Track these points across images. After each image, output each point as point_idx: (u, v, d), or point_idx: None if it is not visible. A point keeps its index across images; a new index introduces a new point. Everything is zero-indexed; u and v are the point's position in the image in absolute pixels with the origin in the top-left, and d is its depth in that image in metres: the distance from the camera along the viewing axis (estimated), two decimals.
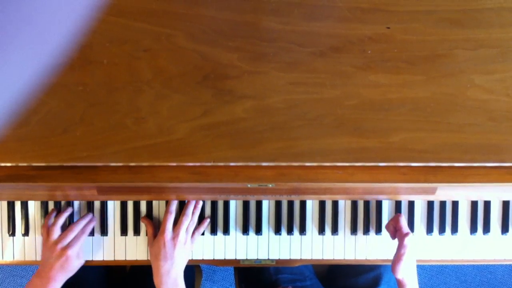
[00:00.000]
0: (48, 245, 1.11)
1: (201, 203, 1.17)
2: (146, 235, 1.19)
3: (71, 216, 1.19)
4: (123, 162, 0.87)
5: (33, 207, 1.20)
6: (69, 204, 1.19)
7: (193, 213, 1.15)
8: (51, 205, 1.19)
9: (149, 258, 1.17)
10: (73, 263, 1.11)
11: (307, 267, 1.37)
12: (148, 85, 0.86)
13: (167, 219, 1.12)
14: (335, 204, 1.20)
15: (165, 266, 1.08)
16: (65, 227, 1.15)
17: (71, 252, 1.10)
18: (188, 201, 1.16)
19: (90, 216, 1.18)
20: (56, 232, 1.13)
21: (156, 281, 1.09)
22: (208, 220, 1.19)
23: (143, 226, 1.20)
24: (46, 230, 1.14)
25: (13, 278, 2.07)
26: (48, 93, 0.85)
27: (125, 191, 1.17)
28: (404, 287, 1.05)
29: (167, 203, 1.17)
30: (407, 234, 1.04)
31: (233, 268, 1.59)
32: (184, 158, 0.86)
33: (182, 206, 1.18)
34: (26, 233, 1.19)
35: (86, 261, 1.19)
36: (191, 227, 1.15)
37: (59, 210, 1.19)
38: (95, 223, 1.19)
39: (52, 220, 1.15)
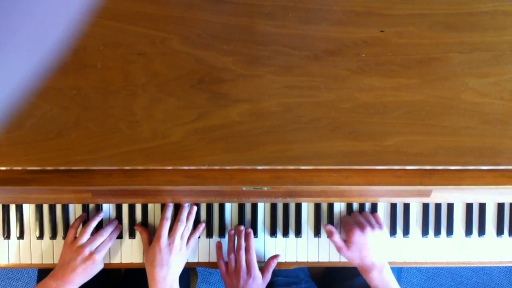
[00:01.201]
0: (73, 247, 1.11)
1: (195, 208, 1.17)
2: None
3: (66, 219, 1.18)
4: (117, 165, 0.87)
5: (28, 210, 1.19)
6: (64, 207, 1.19)
7: (187, 218, 1.15)
8: (45, 209, 1.19)
9: (144, 261, 1.17)
10: (96, 268, 1.12)
11: (302, 269, 1.37)
12: (142, 88, 0.86)
13: (162, 225, 1.12)
14: (330, 206, 1.20)
15: (160, 272, 1.08)
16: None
17: (98, 257, 1.11)
18: (182, 207, 1.15)
19: (116, 222, 1.18)
20: (87, 235, 1.13)
21: (151, 287, 1.09)
22: (204, 225, 1.19)
23: (138, 232, 1.19)
24: (75, 232, 1.14)
25: (9, 281, 2.06)
26: (42, 96, 0.85)
27: (120, 194, 1.16)
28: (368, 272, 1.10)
29: (163, 208, 1.17)
30: (362, 228, 1.11)
31: None
32: (179, 162, 0.86)
33: (177, 211, 1.17)
34: (21, 236, 1.19)
35: None
36: (186, 233, 1.14)
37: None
38: (121, 230, 1.19)
39: (79, 222, 1.16)
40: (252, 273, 1.12)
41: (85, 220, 1.18)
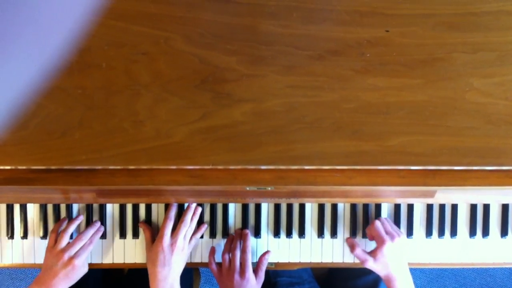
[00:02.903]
0: (54, 252, 1.10)
1: (200, 209, 1.17)
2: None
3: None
4: (121, 165, 0.87)
5: (32, 210, 1.20)
6: (68, 207, 1.19)
7: (191, 219, 1.15)
8: (50, 208, 1.19)
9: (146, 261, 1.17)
10: (79, 272, 1.11)
11: (305, 270, 1.37)
12: (146, 88, 0.86)
13: (165, 225, 1.12)
14: (334, 207, 1.20)
15: (162, 272, 1.08)
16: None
17: (78, 261, 1.09)
18: (188, 207, 1.15)
19: (98, 224, 1.17)
20: (65, 240, 1.12)
21: (152, 286, 1.09)
22: (206, 226, 1.19)
23: (142, 229, 1.19)
24: (55, 236, 1.13)
25: (12, 281, 2.07)
26: (47, 96, 0.85)
27: (124, 194, 1.17)
28: (392, 281, 1.08)
29: (166, 207, 1.17)
30: (383, 242, 1.08)
31: None
32: (183, 161, 0.86)
33: (181, 211, 1.18)
34: (25, 236, 1.19)
35: None
36: (189, 233, 1.14)
37: (62, 217, 1.19)
38: (102, 232, 1.19)
39: (63, 227, 1.15)
40: (246, 275, 1.11)
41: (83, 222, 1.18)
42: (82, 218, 1.18)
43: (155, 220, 1.20)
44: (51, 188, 1.10)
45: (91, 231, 1.15)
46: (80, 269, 1.11)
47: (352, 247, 1.12)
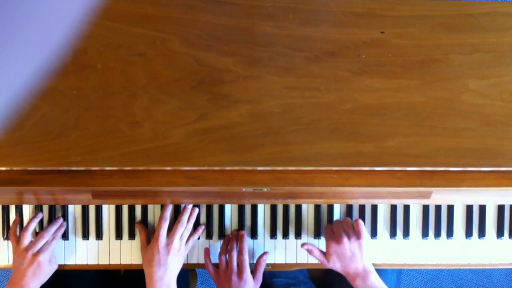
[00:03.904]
0: (18, 252, 1.10)
1: (197, 210, 1.16)
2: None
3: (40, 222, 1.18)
4: (118, 166, 0.87)
5: (28, 211, 1.19)
6: (63, 208, 1.18)
7: (188, 220, 1.14)
8: (45, 209, 1.19)
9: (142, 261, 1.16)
10: (46, 269, 1.10)
11: (302, 271, 1.37)
12: (143, 89, 0.86)
13: (161, 225, 1.11)
14: (330, 208, 1.20)
15: (158, 273, 1.08)
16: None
17: (43, 258, 1.09)
18: (184, 208, 1.15)
19: (60, 221, 1.17)
20: (27, 238, 1.11)
21: (148, 287, 1.08)
22: (203, 227, 1.19)
23: (138, 230, 1.19)
24: (15, 237, 1.13)
25: None
26: (43, 97, 0.85)
27: (120, 195, 1.16)
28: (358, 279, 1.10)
29: (162, 208, 1.16)
30: (328, 245, 1.12)
31: None
32: (179, 163, 0.86)
33: (177, 212, 1.17)
34: (9, 239, 1.19)
35: (81, 266, 1.18)
36: (186, 234, 1.13)
37: (19, 217, 1.18)
38: (65, 228, 1.18)
39: (15, 227, 1.15)
40: (244, 276, 1.11)
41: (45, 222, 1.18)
42: (41, 215, 1.17)
43: (151, 221, 1.19)
44: (47, 190, 1.09)
45: (53, 227, 1.14)
46: (46, 266, 1.10)
47: (309, 252, 1.14)
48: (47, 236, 1.12)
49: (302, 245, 1.16)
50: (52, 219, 1.19)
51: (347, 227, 1.13)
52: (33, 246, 1.10)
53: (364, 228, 1.12)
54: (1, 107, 0.30)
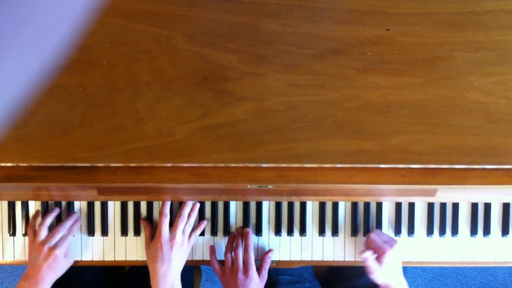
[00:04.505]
0: (35, 246, 1.11)
1: (198, 205, 1.17)
2: None
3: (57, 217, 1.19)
4: (122, 163, 0.87)
5: (34, 207, 1.20)
6: (69, 204, 1.19)
7: (189, 215, 1.15)
8: (51, 206, 1.19)
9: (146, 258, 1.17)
10: (61, 263, 1.11)
11: (306, 268, 1.37)
12: (147, 86, 0.86)
13: (162, 222, 1.12)
14: (335, 205, 1.20)
15: (162, 268, 1.08)
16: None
17: (59, 251, 1.10)
18: (184, 203, 1.15)
19: (76, 215, 1.18)
20: (43, 232, 1.12)
21: (153, 283, 1.09)
22: (205, 222, 1.19)
23: (143, 226, 1.20)
24: (33, 231, 1.14)
25: (14, 278, 2.07)
26: (48, 94, 0.86)
27: (125, 191, 1.17)
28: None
29: (161, 205, 1.17)
30: (384, 251, 1.08)
31: None
32: (184, 160, 0.86)
33: (178, 207, 1.18)
34: (26, 233, 1.20)
35: (86, 262, 1.19)
36: (188, 229, 1.14)
37: (44, 211, 1.19)
38: (81, 222, 1.19)
39: (38, 221, 1.16)
40: (250, 273, 1.11)
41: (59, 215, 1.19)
42: (58, 210, 1.18)
43: (157, 217, 1.20)
44: (52, 186, 1.10)
45: (69, 222, 1.15)
46: (62, 260, 1.12)
47: (365, 259, 1.10)
48: (63, 230, 1.14)
49: (361, 251, 1.12)
50: (58, 215, 1.19)
51: (385, 236, 1.13)
52: (49, 240, 1.11)
53: None
54: (7, 104, 0.31)
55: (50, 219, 1.15)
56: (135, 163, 0.87)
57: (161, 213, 1.14)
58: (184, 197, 1.17)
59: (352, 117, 0.86)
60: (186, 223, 1.14)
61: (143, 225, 1.18)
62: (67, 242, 1.13)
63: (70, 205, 1.19)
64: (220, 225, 1.21)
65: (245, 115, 0.86)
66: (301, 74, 0.87)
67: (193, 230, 1.16)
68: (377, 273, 1.09)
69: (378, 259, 1.09)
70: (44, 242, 1.11)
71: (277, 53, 0.87)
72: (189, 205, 1.15)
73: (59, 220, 1.18)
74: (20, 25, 0.28)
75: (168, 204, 1.15)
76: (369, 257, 1.09)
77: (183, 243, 1.12)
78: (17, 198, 1.19)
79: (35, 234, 1.13)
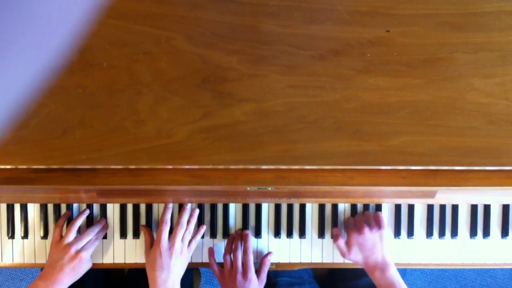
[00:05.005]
0: (60, 246, 1.11)
1: (197, 211, 1.16)
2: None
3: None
4: (122, 164, 0.87)
5: (33, 209, 1.20)
6: (68, 207, 1.19)
7: (189, 221, 1.14)
8: (50, 208, 1.19)
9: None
10: (84, 267, 1.11)
11: (306, 270, 1.37)
12: (147, 87, 0.86)
13: (162, 229, 1.11)
14: (334, 207, 1.20)
15: (161, 276, 1.07)
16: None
17: (85, 255, 1.10)
18: (183, 209, 1.15)
19: (104, 221, 1.18)
20: (72, 233, 1.12)
21: None
22: (205, 227, 1.18)
23: (142, 232, 1.19)
24: (60, 231, 1.14)
25: (13, 281, 2.07)
26: (48, 96, 0.85)
27: (124, 194, 1.17)
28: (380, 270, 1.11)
29: (162, 211, 1.16)
30: (350, 235, 1.14)
31: None
32: (184, 161, 0.86)
33: (178, 209, 1.17)
34: (25, 235, 1.19)
35: None
36: (188, 236, 1.13)
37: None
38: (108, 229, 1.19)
39: (63, 221, 1.16)
40: (249, 275, 1.11)
41: (70, 218, 1.18)
42: (88, 212, 1.18)
43: (156, 220, 1.20)
44: (52, 188, 1.09)
45: (97, 227, 1.16)
46: (85, 264, 1.11)
47: (335, 237, 1.17)
48: (91, 234, 1.14)
49: (334, 229, 1.18)
50: (58, 218, 1.19)
51: (368, 218, 1.14)
52: (77, 242, 1.11)
53: (384, 220, 1.14)
54: (6, 105, 0.31)
55: (80, 220, 1.15)
56: (135, 164, 0.87)
57: (161, 220, 1.13)
58: (183, 199, 1.16)
59: (352, 118, 0.86)
60: (186, 230, 1.13)
61: (143, 231, 1.18)
62: (93, 247, 1.13)
63: (69, 208, 1.19)
64: (219, 227, 1.21)
65: (245, 116, 0.86)
66: (301, 75, 0.87)
67: (192, 237, 1.15)
68: (346, 255, 1.15)
69: (347, 241, 1.15)
70: (71, 243, 1.10)
71: (277, 54, 0.87)
72: (187, 211, 1.15)
73: (57, 220, 1.18)
74: (21, 27, 0.28)
75: (169, 210, 1.14)
76: (337, 235, 1.16)
77: (183, 251, 1.11)
78: (16, 200, 1.19)
79: (60, 234, 1.13)
